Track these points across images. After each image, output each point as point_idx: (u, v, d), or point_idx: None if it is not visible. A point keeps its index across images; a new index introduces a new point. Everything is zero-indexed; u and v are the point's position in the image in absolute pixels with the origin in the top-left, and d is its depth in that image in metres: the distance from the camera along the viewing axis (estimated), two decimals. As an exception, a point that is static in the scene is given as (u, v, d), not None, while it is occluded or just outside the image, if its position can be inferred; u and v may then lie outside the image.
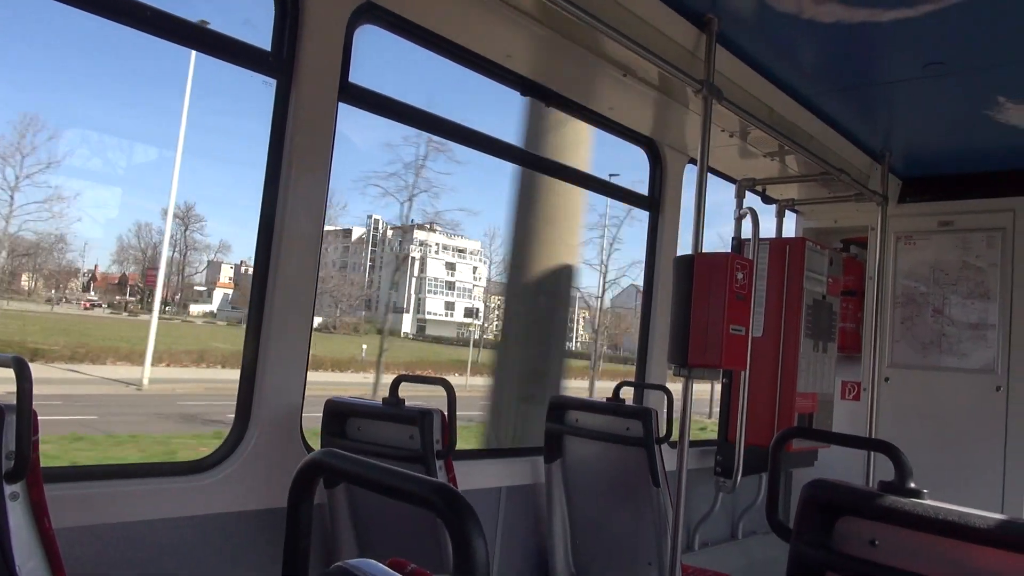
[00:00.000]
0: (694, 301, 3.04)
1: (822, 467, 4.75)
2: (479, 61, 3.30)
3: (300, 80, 2.63)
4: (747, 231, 4.44)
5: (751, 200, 4.87)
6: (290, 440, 2.61)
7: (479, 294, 53.45)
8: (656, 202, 4.40)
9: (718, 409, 4.62)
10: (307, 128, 2.65)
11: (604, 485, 3.43)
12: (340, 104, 2.77)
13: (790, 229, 5.60)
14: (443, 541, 2.37)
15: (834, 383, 4.87)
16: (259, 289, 2.61)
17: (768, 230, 4.76)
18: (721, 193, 4.97)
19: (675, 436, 3.31)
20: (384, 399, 2.67)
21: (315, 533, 2.72)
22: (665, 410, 3.51)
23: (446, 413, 2.57)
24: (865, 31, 3.24)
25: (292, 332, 2.62)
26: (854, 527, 1.52)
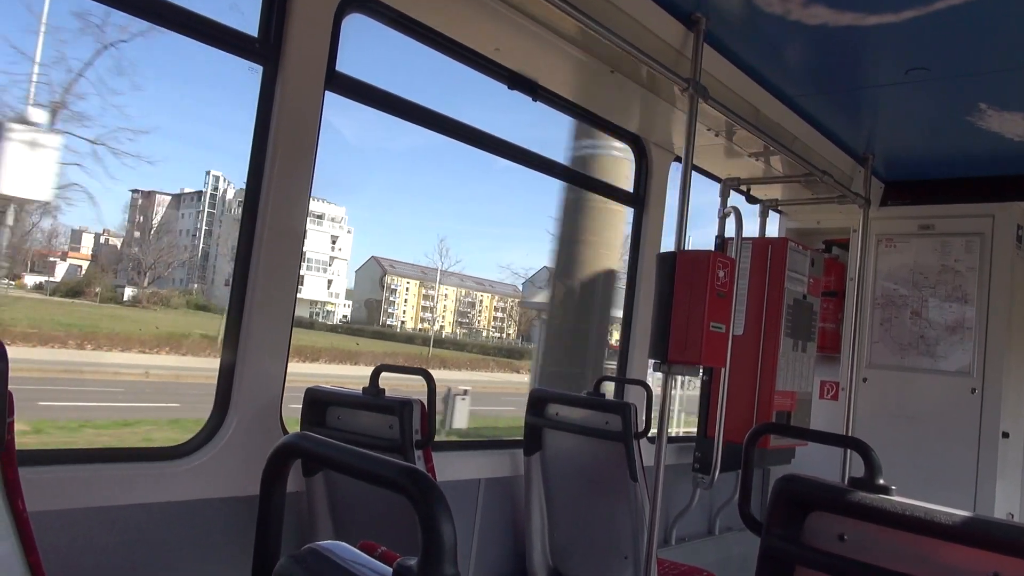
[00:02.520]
0: (676, 298, 3.07)
1: (799, 465, 4.80)
2: (467, 53, 3.30)
3: (286, 68, 2.62)
4: (730, 230, 4.48)
5: (735, 199, 4.92)
6: (269, 428, 2.61)
7: (341, 268, 48.91)
8: (641, 199, 4.42)
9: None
10: (292, 116, 2.64)
11: (583, 478, 3.45)
12: (327, 93, 2.77)
13: (773, 230, 5.65)
14: (418, 528, 2.37)
15: (813, 382, 4.93)
16: (241, 277, 2.60)
17: (751, 230, 4.81)
18: (706, 195, 5.00)
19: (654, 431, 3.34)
20: (364, 388, 2.67)
21: (293, 522, 2.72)
22: (645, 405, 3.53)
23: (425, 404, 2.58)
24: (850, 35, 3.27)
25: (273, 320, 2.61)
26: (824, 522, 1.54)
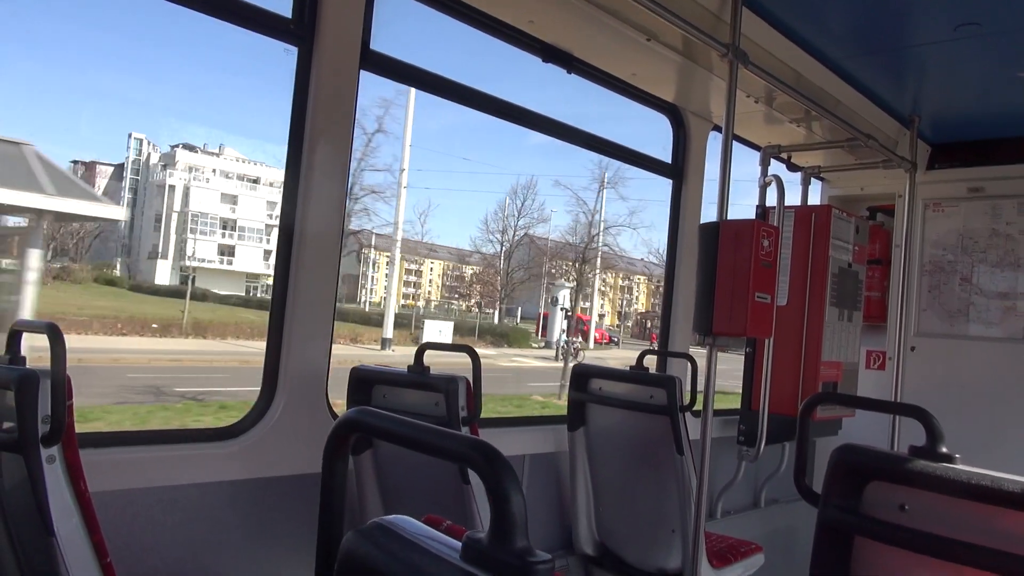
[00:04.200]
0: (719, 269, 3.02)
1: (845, 437, 4.72)
2: (501, 27, 3.26)
3: (321, 48, 2.61)
4: (771, 200, 4.38)
5: (775, 168, 4.81)
6: (316, 407, 2.64)
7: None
8: (679, 170, 4.35)
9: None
10: (328, 96, 2.63)
11: (627, 453, 3.43)
12: (361, 72, 2.76)
13: (815, 199, 5.52)
14: (471, 507, 2.39)
15: (859, 352, 4.83)
16: (283, 258, 2.62)
17: (792, 199, 4.70)
18: (739, 167, 4.88)
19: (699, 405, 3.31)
20: (409, 367, 2.68)
21: None
22: (689, 378, 3.50)
23: (471, 380, 2.58)
24: None
25: (317, 300, 2.63)
26: (884, 492, 1.51)
